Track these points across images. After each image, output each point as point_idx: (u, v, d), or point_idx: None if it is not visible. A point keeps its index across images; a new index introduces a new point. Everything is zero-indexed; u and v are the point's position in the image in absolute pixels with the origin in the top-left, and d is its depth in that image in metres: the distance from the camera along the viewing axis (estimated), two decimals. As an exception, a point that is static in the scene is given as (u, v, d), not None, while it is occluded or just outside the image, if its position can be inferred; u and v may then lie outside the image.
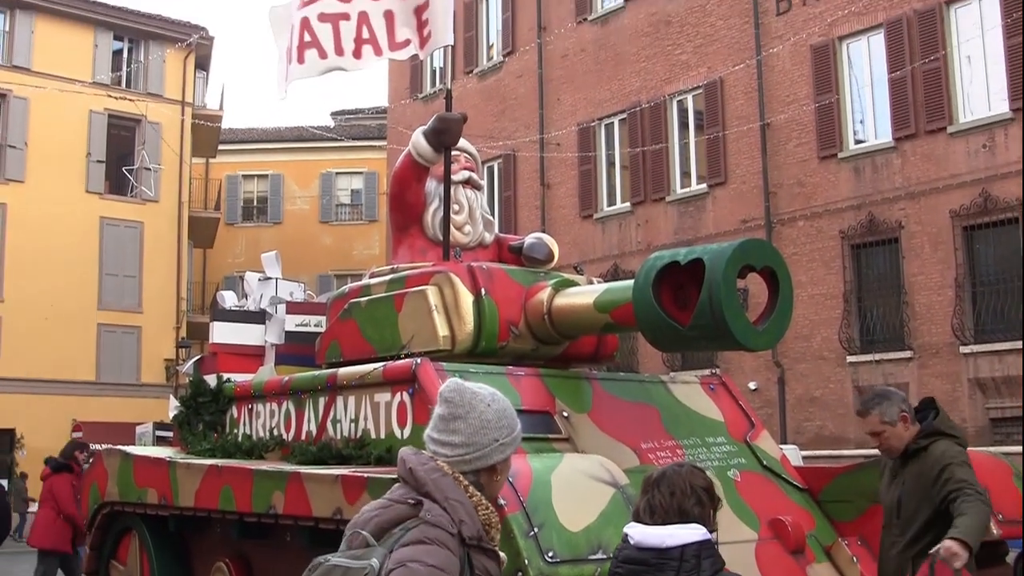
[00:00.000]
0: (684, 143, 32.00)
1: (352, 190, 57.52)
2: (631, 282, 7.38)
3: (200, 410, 10.11)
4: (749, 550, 7.35)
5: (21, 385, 40.75)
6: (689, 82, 31.59)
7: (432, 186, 9.12)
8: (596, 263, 31.68)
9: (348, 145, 52.95)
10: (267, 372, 10.48)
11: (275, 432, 9.06)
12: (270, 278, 12.07)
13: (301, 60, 9.40)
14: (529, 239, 9.40)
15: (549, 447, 7.32)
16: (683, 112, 32.20)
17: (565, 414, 7.75)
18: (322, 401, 8.51)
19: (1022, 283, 24.01)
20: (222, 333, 11.43)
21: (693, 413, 8.48)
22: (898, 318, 26.13)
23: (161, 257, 45.65)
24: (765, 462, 8.30)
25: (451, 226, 8.98)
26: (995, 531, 7.36)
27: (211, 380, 10.26)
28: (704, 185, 30.91)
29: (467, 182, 9.33)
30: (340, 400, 8.30)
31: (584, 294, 8.16)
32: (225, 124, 52.70)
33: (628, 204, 32.96)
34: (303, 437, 8.66)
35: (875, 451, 7.26)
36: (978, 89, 25.48)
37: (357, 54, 9.39)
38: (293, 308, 11.24)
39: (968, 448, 7.00)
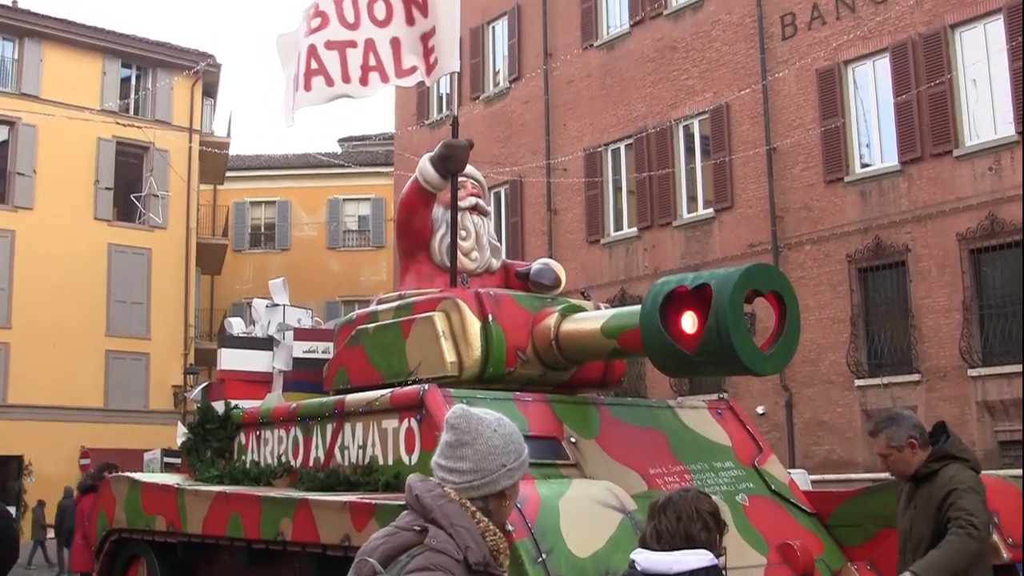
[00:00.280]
0: (690, 168, 32.01)
1: (359, 216, 57.58)
2: (638, 307, 7.38)
3: (208, 437, 10.13)
4: (758, 575, 7.34)
5: (29, 412, 40.75)
6: (695, 107, 31.62)
7: (439, 212, 9.15)
8: (603, 288, 31.66)
9: (355, 171, 53.04)
10: (275, 399, 10.49)
11: (283, 459, 9.06)
12: (278, 305, 12.09)
13: (308, 87, 9.44)
14: (536, 265, 9.41)
15: (557, 473, 7.33)
16: (689, 137, 32.22)
17: (573, 440, 7.76)
18: (330, 427, 8.52)
19: (1022, 307, 24.01)
20: (230, 360, 11.44)
21: (701, 438, 8.48)
22: (906, 341, 26.10)
23: (169, 284, 45.68)
24: (773, 486, 8.30)
25: (458, 252, 8.99)
26: (1005, 555, 7.35)
27: (219, 407, 10.28)
28: (711, 210, 30.91)
29: (474, 208, 9.35)
30: (348, 426, 8.30)
31: (591, 320, 8.17)
32: (233, 151, 52.80)
33: (635, 229, 32.96)
34: (311, 464, 8.66)
35: (884, 475, 7.25)
36: (984, 112, 25.49)
37: (364, 81, 9.43)
38: (301, 335, 11.25)
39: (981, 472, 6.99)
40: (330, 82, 9.44)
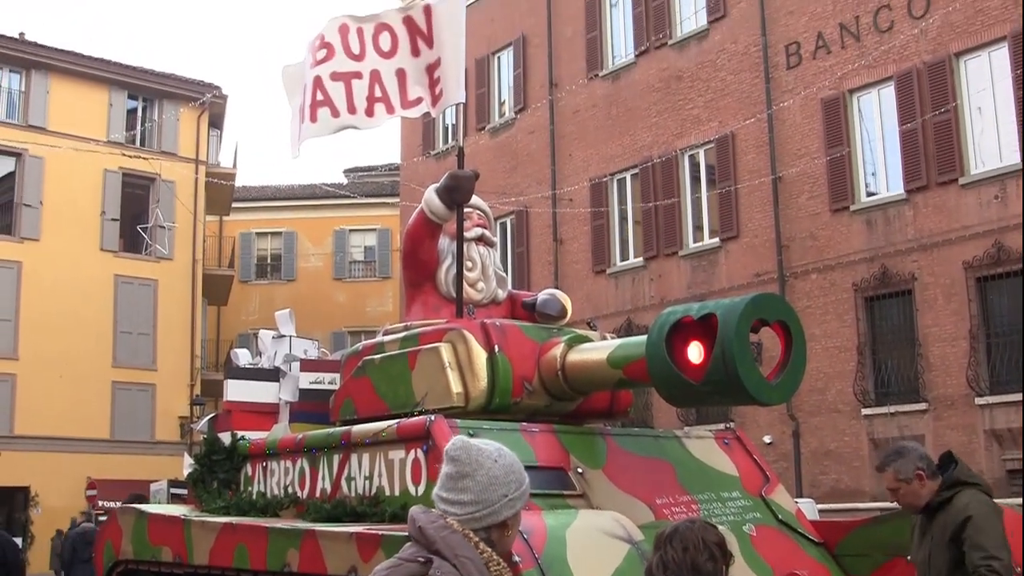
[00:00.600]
0: (696, 197, 32.03)
1: (365, 247, 57.67)
2: (644, 338, 7.39)
3: (214, 468, 10.12)
4: (765, 605, 7.33)
5: (36, 443, 40.76)
6: (700, 136, 31.66)
7: (445, 243, 9.16)
8: (609, 318, 31.65)
9: (361, 202, 53.13)
10: (281, 430, 10.49)
11: (289, 490, 9.06)
12: (284, 335, 12.09)
13: (314, 119, 9.46)
14: (542, 295, 9.42)
15: (564, 503, 7.32)
16: (695, 166, 32.26)
17: (580, 470, 7.75)
18: (336, 458, 8.52)
19: (1022, 337, 24.00)
20: (236, 391, 11.43)
21: (708, 468, 8.47)
22: (913, 370, 26.06)
23: (175, 315, 45.73)
24: (780, 516, 8.29)
25: (464, 283, 9.00)
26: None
27: (225, 438, 10.28)
28: (716, 239, 30.92)
29: (480, 239, 9.36)
30: (354, 457, 8.30)
31: (597, 350, 8.17)
32: (239, 182, 52.97)
33: (641, 259, 32.97)
34: (317, 495, 8.65)
35: (892, 504, 7.24)
36: (989, 140, 25.50)
37: (369, 112, 9.45)
38: (307, 365, 11.25)
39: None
40: (336, 113, 9.46)
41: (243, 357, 12.73)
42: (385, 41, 9.54)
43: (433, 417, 7.60)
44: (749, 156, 30.21)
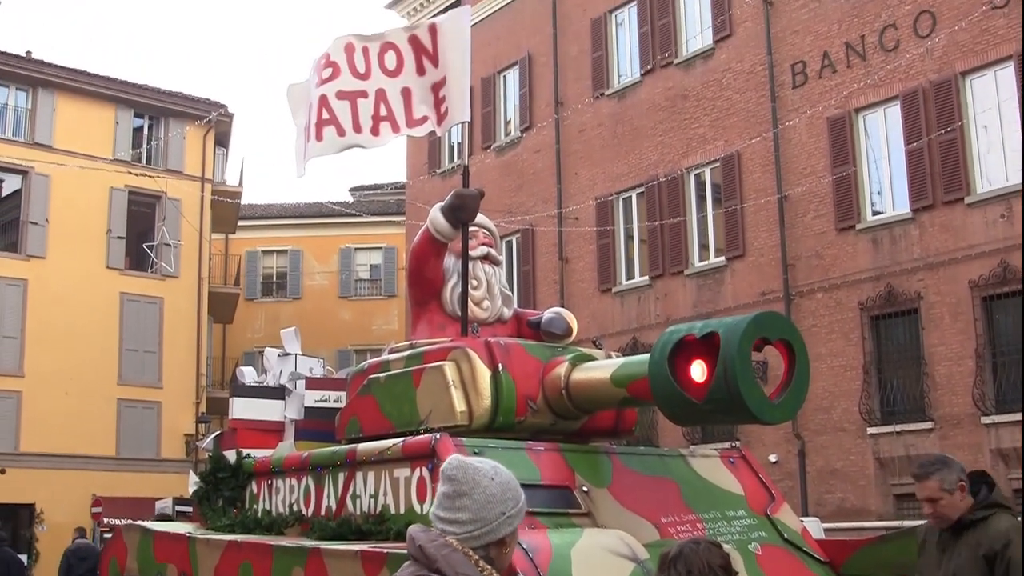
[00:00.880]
0: (702, 216, 32.04)
1: (371, 265, 57.71)
2: (647, 356, 7.39)
3: (220, 485, 10.12)
4: (771, 624, 7.32)
5: (41, 460, 40.75)
6: (706, 155, 31.69)
7: (450, 262, 9.16)
8: (615, 337, 31.67)
9: (367, 220, 53.15)
10: (287, 448, 10.49)
11: (295, 507, 9.06)
12: (289, 354, 12.11)
13: (320, 137, 9.47)
14: (547, 314, 9.42)
15: (569, 522, 7.31)
16: (700, 185, 32.28)
17: (585, 489, 7.74)
18: (341, 476, 8.52)
19: (1022, 356, 23.98)
20: (241, 409, 11.45)
21: (713, 487, 8.46)
22: (918, 389, 26.04)
23: (181, 333, 45.74)
24: (786, 535, 8.27)
25: (469, 301, 9.00)
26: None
27: (231, 455, 10.28)
28: (722, 258, 30.93)
29: (485, 257, 9.36)
30: (359, 475, 8.30)
31: (601, 368, 8.17)
32: (245, 200, 52.96)
33: (647, 278, 32.99)
34: (323, 512, 8.65)
35: (897, 523, 7.23)
36: (995, 159, 25.51)
37: (375, 131, 9.46)
38: (312, 383, 11.26)
39: None
40: (341, 132, 9.47)
41: (248, 375, 12.75)
42: (390, 60, 9.56)
43: (439, 435, 7.60)
44: (755, 175, 30.23)
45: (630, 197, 34.17)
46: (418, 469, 7.70)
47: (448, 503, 3.89)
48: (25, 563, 21.85)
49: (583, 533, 6.69)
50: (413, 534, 3.91)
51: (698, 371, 6.98)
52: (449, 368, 8.26)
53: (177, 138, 46.96)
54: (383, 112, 9.46)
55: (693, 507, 8.09)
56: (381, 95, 9.48)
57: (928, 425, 25.55)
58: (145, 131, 47.50)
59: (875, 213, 27.75)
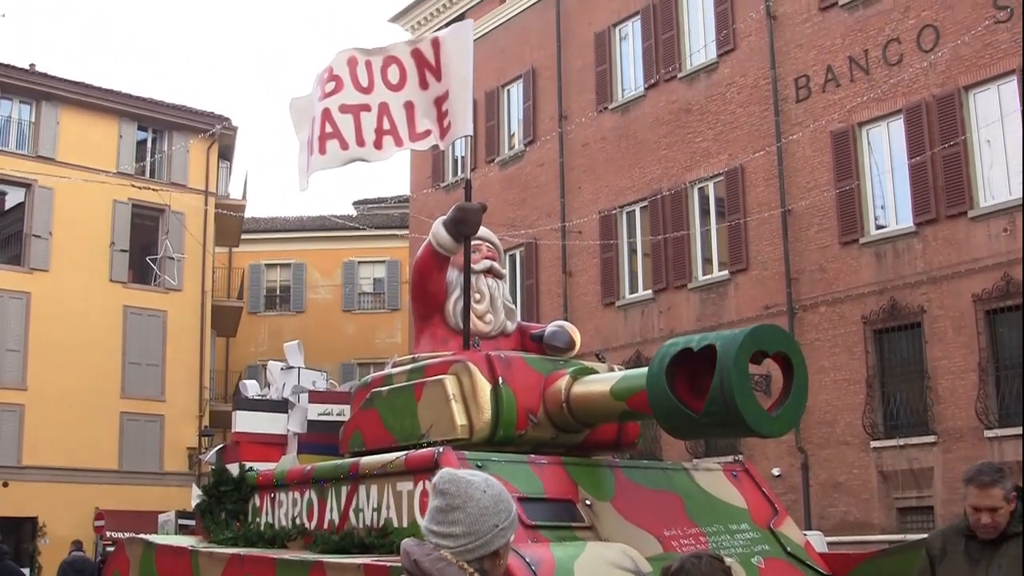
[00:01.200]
0: (705, 230, 32.06)
1: (374, 279, 57.74)
2: (646, 369, 7.38)
3: (222, 499, 10.11)
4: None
5: (44, 473, 40.77)
6: (710, 169, 31.71)
7: (454, 275, 9.15)
8: (618, 351, 31.67)
9: (370, 234, 53.20)
10: (290, 461, 10.48)
11: (297, 521, 9.04)
12: (292, 367, 12.13)
13: (323, 151, 9.47)
14: (550, 327, 9.41)
15: (572, 535, 7.30)
16: (704, 199, 32.30)
17: (588, 502, 7.73)
18: (344, 490, 8.50)
19: (1022, 370, 23.97)
20: (245, 422, 11.46)
21: (716, 500, 8.45)
22: (922, 403, 26.03)
23: (184, 346, 45.77)
24: (789, 549, 8.26)
25: (472, 315, 9.00)
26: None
27: (233, 469, 10.26)
28: (726, 272, 30.94)
29: (488, 271, 9.35)
30: (362, 489, 8.29)
31: (601, 382, 8.15)
32: (248, 213, 53.04)
33: (650, 291, 33.00)
34: (325, 526, 8.64)
35: (900, 536, 7.21)
36: (998, 173, 25.51)
37: (378, 145, 9.46)
38: (315, 397, 11.26)
39: None
40: (344, 146, 9.46)
41: (252, 388, 12.77)
42: (393, 74, 9.56)
43: (441, 449, 7.59)
44: (758, 189, 30.24)
45: (634, 211, 34.19)
46: (421, 483, 7.69)
47: (441, 517, 3.88)
48: (27, 576, 21.85)
49: (586, 546, 6.67)
50: (408, 548, 3.90)
51: (696, 384, 6.97)
52: (450, 382, 8.25)
53: (181, 151, 47.02)
54: (386, 126, 9.46)
55: (696, 520, 8.07)
56: (384, 109, 9.48)
57: (931, 439, 25.53)
58: (149, 144, 47.62)
59: (878, 227, 27.76)
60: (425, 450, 7.80)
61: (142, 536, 10.87)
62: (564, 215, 35.95)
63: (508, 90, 39.69)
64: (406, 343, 44.93)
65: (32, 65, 45.64)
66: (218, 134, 47.33)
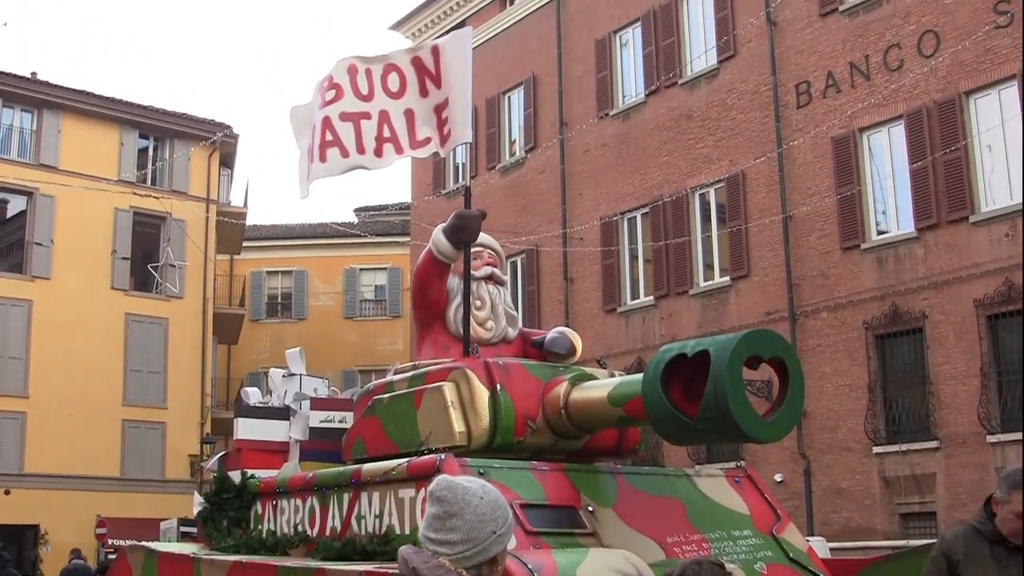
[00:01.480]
0: (707, 236, 32.07)
1: (376, 286, 57.73)
2: (642, 375, 7.37)
3: (224, 506, 10.10)
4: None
5: (45, 481, 40.77)
6: (711, 175, 31.72)
7: (455, 282, 9.14)
8: (620, 357, 31.64)
9: (372, 241, 53.21)
10: (291, 468, 10.47)
11: (299, 528, 9.04)
12: (294, 374, 12.08)
13: (323, 159, 9.47)
14: (551, 334, 9.40)
15: (574, 542, 7.29)
16: (705, 205, 32.31)
17: (590, 508, 7.73)
18: (346, 497, 8.50)
19: (1022, 377, 23.95)
20: (246, 429, 11.42)
21: (718, 506, 8.44)
22: (924, 408, 26.02)
23: (186, 353, 45.79)
24: (792, 555, 8.25)
25: (474, 322, 8.99)
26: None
27: (235, 476, 10.26)
28: (727, 278, 30.95)
29: (489, 278, 9.34)
30: (364, 496, 8.28)
31: (599, 388, 8.13)
32: (249, 220, 53.07)
33: (651, 298, 33.00)
34: (328, 533, 8.64)
35: (902, 542, 7.20)
36: (999, 178, 25.52)
37: (378, 152, 9.46)
38: (317, 404, 11.24)
39: None
40: (345, 153, 9.46)
41: (253, 396, 12.72)
42: (393, 82, 9.56)
43: (443, 456, 7.59)
44: (759, 195, 30.25)
45: (635, 217, 34.20)
46: (423, 490, 7.68)
47: (439, 524, 3.87)
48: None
49: (588, 553, 6.67)
50: (406, 555, 3.90)
51: (693, 390, 6.95)
52: (448, 389, 8.25)
53: (182, 159, 47.04)
54: (386, 133, 9.46)
55: (699, 527, 8.07)
56: (384, 116, 9.48)
57: (934, 444, 25.52)
58: (150, 152, 47.66)
59: (879, 232, 27.76)
60: (427, 457, 7.80)
61: (144, 544, 10.86)
62: (565, 221, 35.96)
63: (509, 97, 39.71)
64: (407, 350, 44.93)
65: (34, 73, 45.67)
66: (219, 142, 47.32)
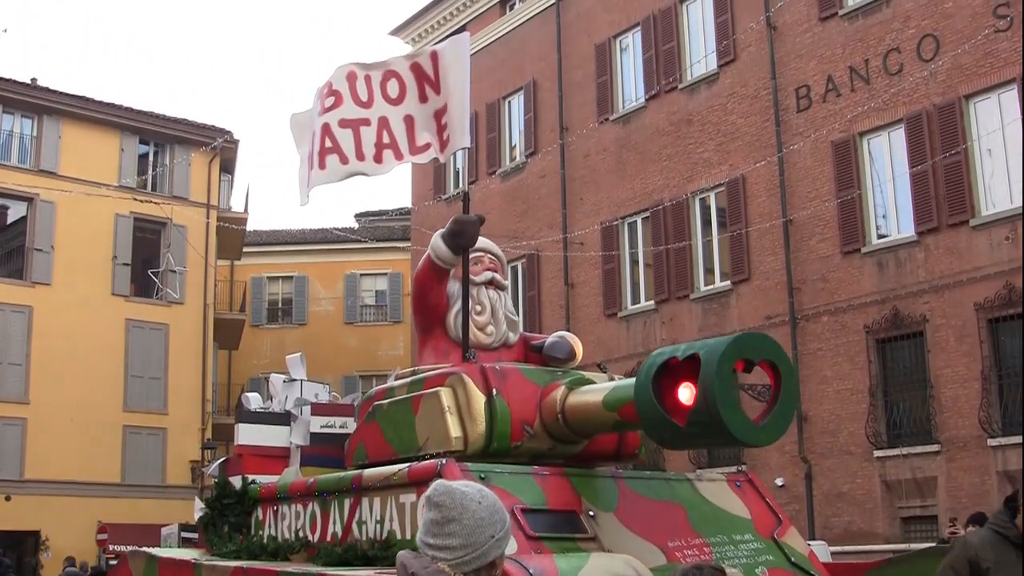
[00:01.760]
0: (707, 240, 32.07)
1: (376, 291, 57.73)
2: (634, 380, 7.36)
3: (225, 512, 10.10)
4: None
5: (46, 487, 40.75)
6: (711, 180, 31.72)
7: (455, 287, 9.14)
8: (621, 361, 31.61)
9: (372, 246, 53.21)
10: (292, 474, 10.47)
11: (300, 534, 9.04)
12: (295, 379, 12.09)
13: (323, 166, 9.47)
14: (551, 338, 9.39)
15: (575, 546, 7.29)
16: (706, 210, 32.31)
17: (591, 513, 7.73)
18: (347, 502, 8.50)
19: (1022, 379, 23.95)
20: (247, 435, 11.43)
21: (720, 510, 8.44)
22: (925, 412, 26.01)
23: (186, 359, 45.78)
24: (793, 559, 8.25)
25: (474, 327, 8.99)
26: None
27: (236, 482, 10.26)
28: (728, 282, 30.95)
29: (490, 283, 9.34)
30: (365, 501, 8.28)
31: (594, 392, 8.12)
32: (250, 226, 53.04)
33: (652, 302, 33.00)
34: (328, 539, 8.64)
35: (904, 546, 7.21)
36: (999, 182, 25.52)
37: (378, 159, 9.46)
38: (318, 409, 11.25)
39: None
40: (344, 160, 9.46)
41: (254, 401, 12.72)
42: (393, 88, 9.57)
43: (444, 461, 7.59)
44: (760, 199, 30.25)
45: (635, 222, 34.21)
46: (424, 495, 7.68)
47: (437, 529, 3.86)
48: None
49: (590, 557, 6.66)
50: (404, 561, 3.89)
51: (684, 394, 6.92)
52: (445, 394, 8.24)
53: (182, 165, 47.06)
54: (386, 140, 9.46)
55: (700, 531, 8.07)
56: (384, 123, 9.48)
57: (935, 448, 25.52)
58: (150, 158, 47.66)
59: (880, 236, 27.77)
60: (428, 462, 7.80)
61: (145, 549, 10.87)
62: (566, 226, 35.97)
63: (509, 102, 39.73)
64: (408, 355, 44.93)
65: (34, 79, 45.72)
66: (219, 147, 47.36)
